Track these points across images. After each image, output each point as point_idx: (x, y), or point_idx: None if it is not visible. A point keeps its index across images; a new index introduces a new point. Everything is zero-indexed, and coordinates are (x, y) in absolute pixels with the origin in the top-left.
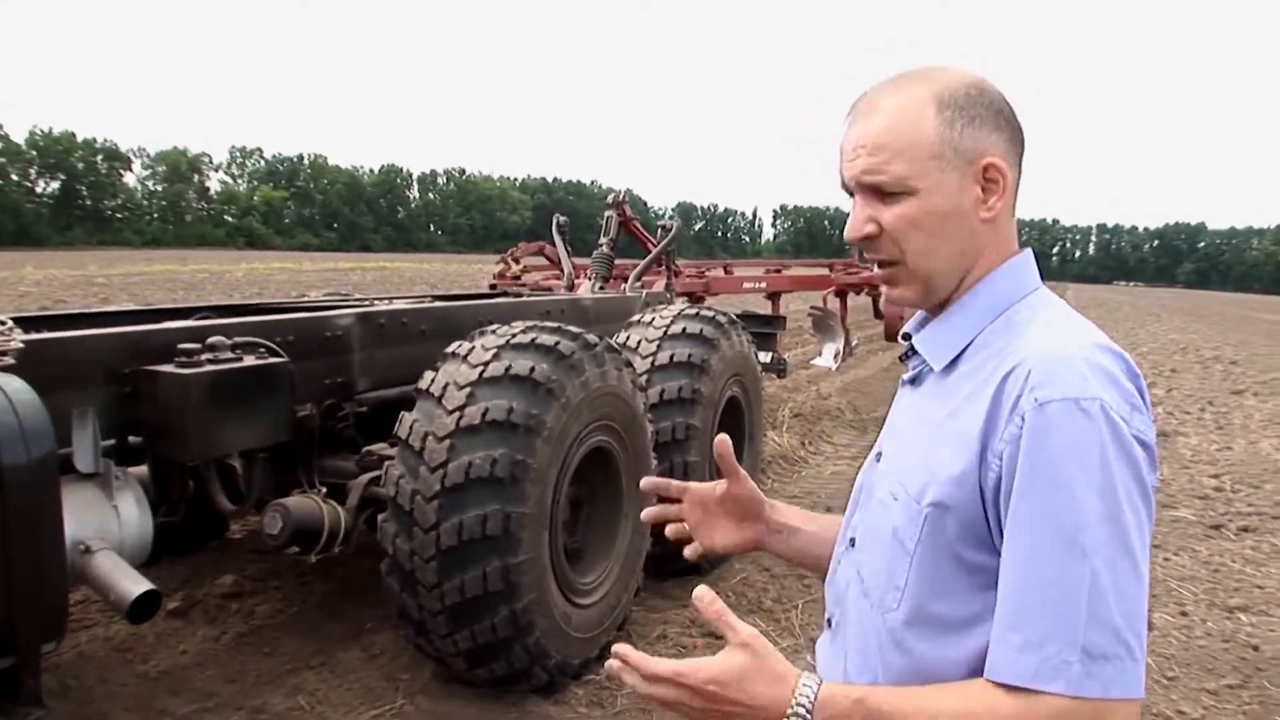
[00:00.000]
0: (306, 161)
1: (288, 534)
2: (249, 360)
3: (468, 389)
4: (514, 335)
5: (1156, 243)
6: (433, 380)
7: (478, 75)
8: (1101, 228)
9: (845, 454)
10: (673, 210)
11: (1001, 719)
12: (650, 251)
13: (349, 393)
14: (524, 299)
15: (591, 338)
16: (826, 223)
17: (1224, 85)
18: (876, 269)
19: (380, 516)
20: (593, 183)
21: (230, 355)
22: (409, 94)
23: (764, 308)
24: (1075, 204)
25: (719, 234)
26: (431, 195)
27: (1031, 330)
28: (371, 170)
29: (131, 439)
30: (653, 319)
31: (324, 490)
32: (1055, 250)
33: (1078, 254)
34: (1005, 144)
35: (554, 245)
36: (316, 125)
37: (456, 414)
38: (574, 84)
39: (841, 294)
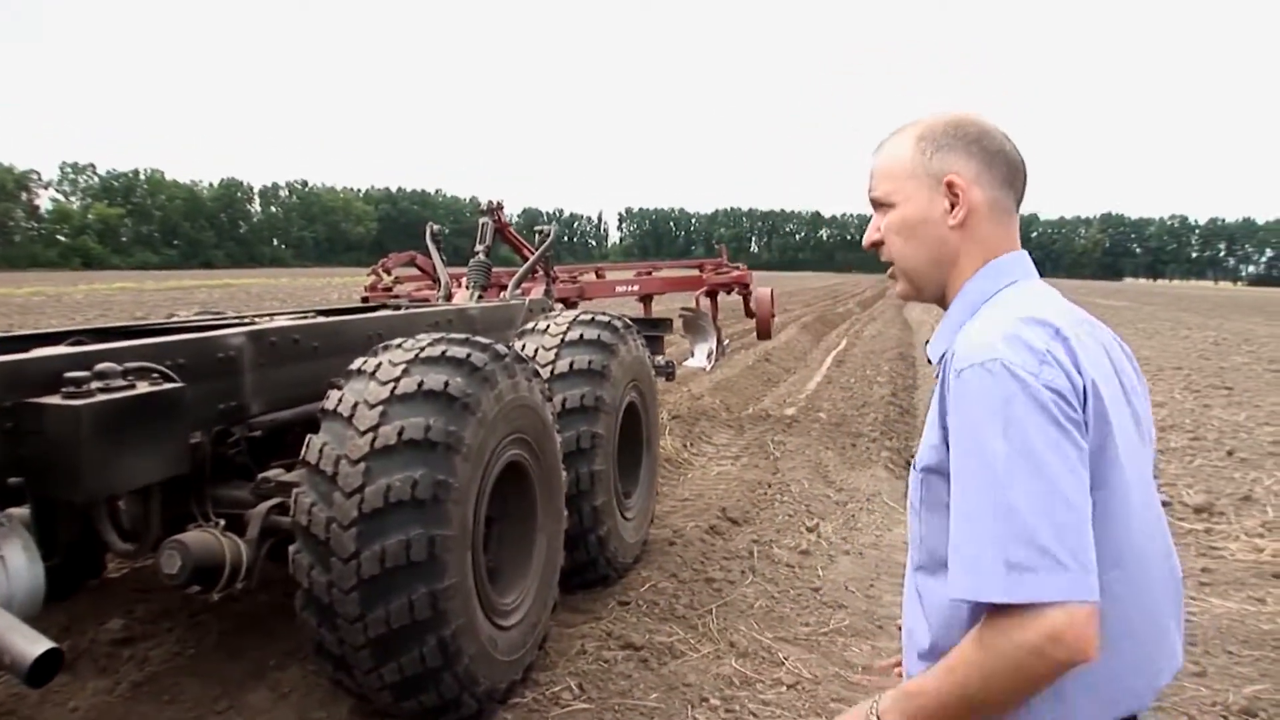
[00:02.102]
0: (143, 176)
1: (187, 573)
2: (143, 387)
3: (380, 407)
4: (423, 349)
5: None
6: (340, 399)
7: (316, 84)
8: None
9: (727, 454)
10: (518, 216)
11: (976, 647)
12: (526, 258)
13: (242, 416)
14: (412, 311)
15: (501, 348)
16: (672, 224)
17: (1049, 82)
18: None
19: (291, 548)
20: (437, 191)
21: (123, 383)
22: (246, 105)
23: (635, 311)
24: None
25: (566, 238)
26: (274, 208)
27: (978, 318)
28: (211, 184)
29: (11, 480)
30: (548, 326)
31: (221, 523)
32: None
33: None
34: (975, 167)
35: (425, 254)
36: (152, 139)
37: (370, 434)
38: (414, 91)
39: (712, 294)
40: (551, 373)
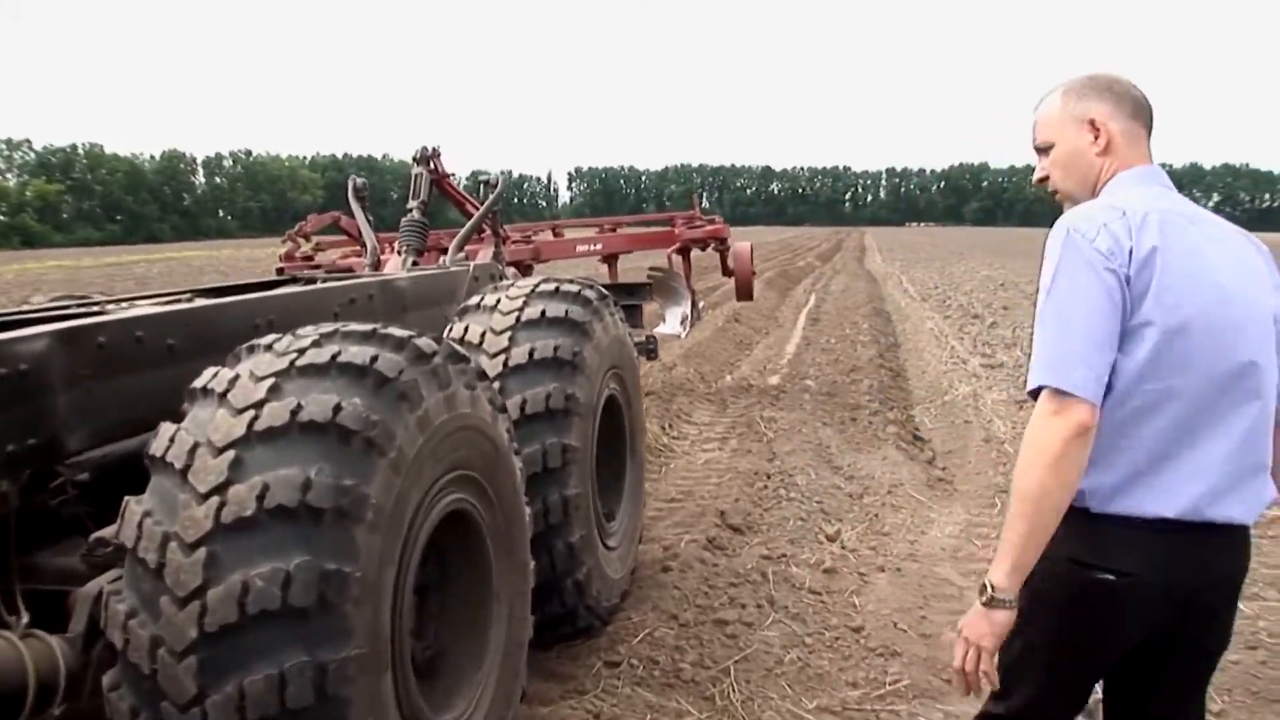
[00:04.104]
0: (81, 151)
1: None
2: None
3: (231, 452)
4: (303, 350)
5: (943, 184)
6: (172, 439)
7: (254, 51)
8: (891, 171)
9: (712, 435)
10: (466, 179)
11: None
12: (470, 215)
13: (56, 454)
14: (317, 286)
15: (426, 343)
16: (622, 182)
17: (997, 32)
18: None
19: (106, 679)
20: (384, 156)
21: None
22: (185, 74)
23: (599, 274)
24: (865, 150)
25: (515, 200)
26: (218, 179)
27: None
28: (152, 157)
29: None
30: (497, 301)
31: (24, 619)
32: (848, 195)
33: (869, 198)
34: (1109, 106)
35: (350, 215)
36: (89, 113)
37: (215, 499)
38: (357, 54)
39: (685, 251)
40: (505, 365)
